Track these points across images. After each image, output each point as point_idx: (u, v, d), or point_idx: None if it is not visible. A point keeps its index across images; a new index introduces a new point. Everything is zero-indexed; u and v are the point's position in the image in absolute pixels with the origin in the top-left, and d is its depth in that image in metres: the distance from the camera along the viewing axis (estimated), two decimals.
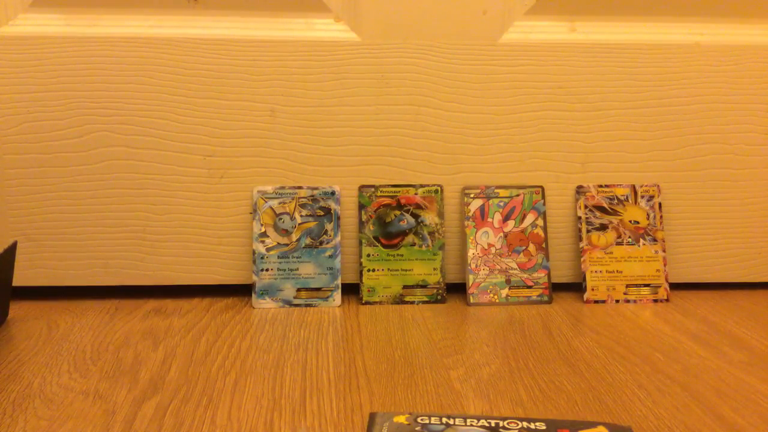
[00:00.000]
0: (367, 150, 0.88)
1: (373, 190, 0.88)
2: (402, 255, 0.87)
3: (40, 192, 0.86)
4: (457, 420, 0.53)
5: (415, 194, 0.88)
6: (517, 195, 0.89)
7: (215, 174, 0.87)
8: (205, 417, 0.57)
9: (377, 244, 0.87)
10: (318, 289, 0.86)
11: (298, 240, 0.86)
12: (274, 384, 0.63)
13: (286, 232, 0.86)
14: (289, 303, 0.85)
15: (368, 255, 0.87)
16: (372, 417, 0.53)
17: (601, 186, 0.90)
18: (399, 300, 0.87)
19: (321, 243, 0.86)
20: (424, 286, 0.87)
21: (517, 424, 0.52)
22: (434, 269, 0.87)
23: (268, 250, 0.86)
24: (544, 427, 0.52)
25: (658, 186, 0.90)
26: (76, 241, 0.87)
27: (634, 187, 0.90)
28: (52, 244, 0.87)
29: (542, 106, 0.89)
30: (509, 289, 0.87)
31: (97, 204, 0.86)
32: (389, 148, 0.88)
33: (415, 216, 0.88)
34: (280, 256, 0.86)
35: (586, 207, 0.89)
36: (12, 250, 0.77)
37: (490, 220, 0.88)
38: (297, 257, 0.86)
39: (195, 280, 0.89)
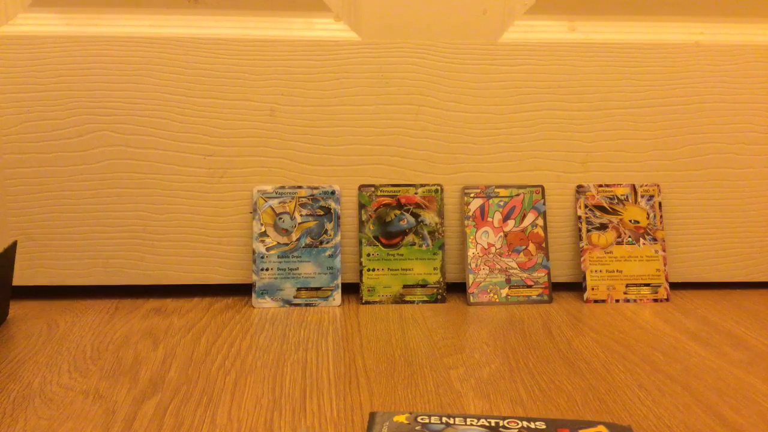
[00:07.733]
0: (367, 150, 0.88)
1: (373, 189, 0.88)
2: (402, 254, 0.87)
3: (40, 192, 0.86)
4: (457, 419, 0.53)
5: (415, 194, 0.88)
6: (517, 194, 0.89)
7: (215, 174, 0.87)
8: (205, 417, 0.57)
9: (377, 243, 0.87)
10: (318, 289, 0.86)
11: (298, 239, 0.86)
12: (274, 383, 0.63)
13: (286, 232, 0.86)
14: (289, 302, 0.85)
15: (368, 254, 0.87)
16: (372, 416, 0.53)
17: (601, 186, 0.90)
18: (399, 299, 0.87)
19: (321, 242, 0.86)
20: (424, 286, 0.87)
21: (517, 424, 0.52)
22: (434, 269, 0.87)
23: (268, 249, 0.86)
24: (544, 427, 0.52)
25: (658, 186, 0.90)
26: (76, 241, 0.87)
27: (634, 186, 0.90)
28: (52, 244, 0.87)
29: (542, 105, 0.89)
30: (509, 288, 0.87)
31: (97, 204, 0.86)
32: (389, 148, 0.88)
33: (415, 215, 0.88)
34: (280, 255, 0.86)
35: (586, 206, 0.89)
36: (12, 249, 0.77)
37: (490, 219, 0.88)
38: (297, 257, 0.86)
39: (195, 280, 0.89)
